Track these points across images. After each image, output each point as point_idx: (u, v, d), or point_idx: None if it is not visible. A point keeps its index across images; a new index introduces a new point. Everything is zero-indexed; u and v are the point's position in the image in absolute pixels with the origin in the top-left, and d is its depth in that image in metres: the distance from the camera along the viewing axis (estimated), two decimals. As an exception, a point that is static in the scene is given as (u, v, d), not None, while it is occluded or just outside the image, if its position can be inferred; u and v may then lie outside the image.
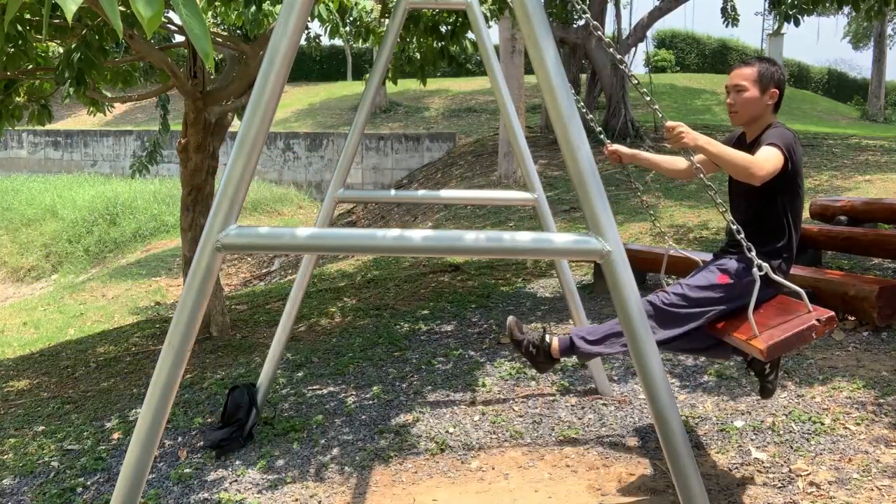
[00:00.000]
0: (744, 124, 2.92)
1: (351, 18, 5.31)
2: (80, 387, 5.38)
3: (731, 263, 2.85)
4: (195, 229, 5.70)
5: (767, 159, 2.68)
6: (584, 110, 2.79)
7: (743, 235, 2.51)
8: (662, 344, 2.83)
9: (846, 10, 13.10)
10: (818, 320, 2.60)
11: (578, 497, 3.20)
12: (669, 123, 2.65)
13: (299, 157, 20.65)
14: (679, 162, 3.18)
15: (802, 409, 3.65)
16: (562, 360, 3.10)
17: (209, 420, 4.22)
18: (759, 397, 3.81)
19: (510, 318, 3.10)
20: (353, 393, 4.46)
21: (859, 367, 4.03)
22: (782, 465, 3.21)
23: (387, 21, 5.20)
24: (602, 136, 3.30)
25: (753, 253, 2.49)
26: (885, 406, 3.57)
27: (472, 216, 10.81)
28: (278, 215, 17.08)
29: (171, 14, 5.63)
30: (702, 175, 2.71)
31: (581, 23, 15.79)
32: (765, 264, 2.53)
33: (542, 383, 4.37)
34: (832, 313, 2.63)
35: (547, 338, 2.99)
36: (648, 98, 2.52)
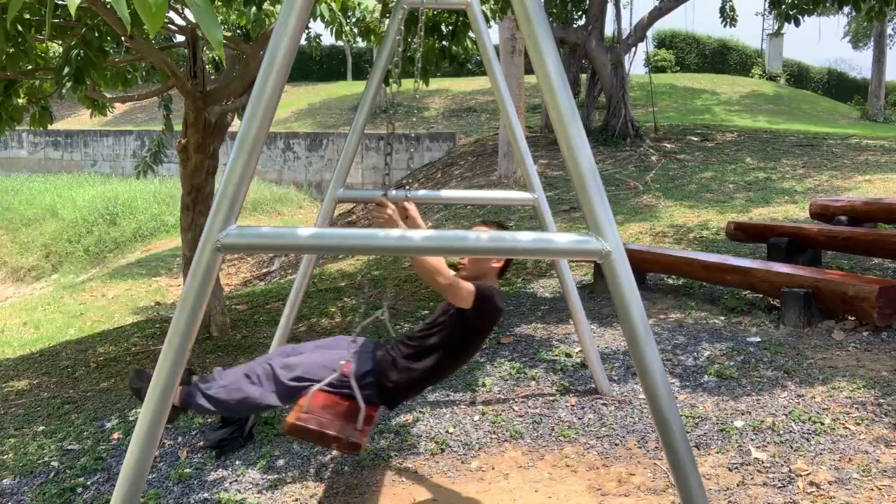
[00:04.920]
0: (469, 279, 2.96)
1: (354, 18, 5.30)
2: (80, 387, 5.37)
3: (361, 356, 2.90)
4: (195, 229, 5.70)
5: (466, 287, 2.79)
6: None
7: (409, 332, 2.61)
8: (244, 405, 2.93)
9: (846, 10, 13.12)
10: (346, 439, 2.66)
11: (578, 497, 3.20)
12: (381, 201, 2.76)
13: (299, 157, 20.65)
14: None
15: (802, 409, 3.65)
16: (189, 410, 3.09)
17: (209, 420, 4.22)
18: (758, 397, 3.81)
19: (132, 371, 3.15)
20: (353, 393, 4.45)
21: (859, 367, 4.03)
22: (782, 465, 3.21)
23: (387, 21, 5.19)
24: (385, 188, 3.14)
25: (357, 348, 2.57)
26: (885, 406, 3.57)
27: (472, 216, 10.79)
28: (278, 215, 17.07)
29: (172, 14, 5.63)
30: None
31: (581, 22, 15.79)
32: (351, 366, 2.65)
33: (541, 383, 4.36)
34: (360, 444, 2.69)
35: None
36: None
